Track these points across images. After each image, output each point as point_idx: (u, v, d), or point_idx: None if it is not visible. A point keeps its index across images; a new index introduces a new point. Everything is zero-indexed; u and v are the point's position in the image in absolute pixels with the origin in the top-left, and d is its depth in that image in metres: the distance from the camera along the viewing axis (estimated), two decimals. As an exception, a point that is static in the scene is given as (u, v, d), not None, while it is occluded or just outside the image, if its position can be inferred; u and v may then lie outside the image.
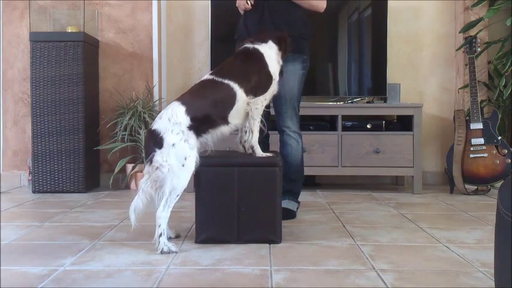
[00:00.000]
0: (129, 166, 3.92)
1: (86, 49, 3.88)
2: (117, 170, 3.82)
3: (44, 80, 3.80)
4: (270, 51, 2.45)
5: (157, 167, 2.16)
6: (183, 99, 2.28)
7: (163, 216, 2.16)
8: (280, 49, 2.48)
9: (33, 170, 3.81)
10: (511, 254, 1.13)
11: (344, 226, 2.70)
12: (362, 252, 2.20)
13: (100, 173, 4.16)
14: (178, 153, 2.16)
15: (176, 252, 2.15)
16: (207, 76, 2.38)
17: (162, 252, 2.13)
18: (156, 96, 4.14)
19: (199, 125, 2.23)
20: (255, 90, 2.35)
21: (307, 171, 3.85)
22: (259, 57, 2.42)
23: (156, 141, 2.17)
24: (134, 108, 3.92)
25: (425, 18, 4.34)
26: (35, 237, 2.46)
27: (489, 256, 2.10)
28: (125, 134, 3.87)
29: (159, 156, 2.15)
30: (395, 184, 4.32)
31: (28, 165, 3.99)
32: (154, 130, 2.19)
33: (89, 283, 1.80)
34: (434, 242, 2.38)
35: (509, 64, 3.88)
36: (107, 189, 3.95)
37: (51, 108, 3.80)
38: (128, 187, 4.04)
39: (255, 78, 2.37)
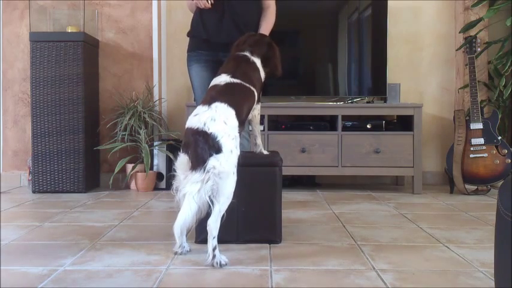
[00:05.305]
0: (129, 166, 3.92)
1: (86, 49, 3.88)
2: (117, 170, 3.82)
3: (44, 80, 3.80)
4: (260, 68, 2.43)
5: (212, 173, 1.98)
6: (225, 100, 2.10)
7: (217, 226, 2.00)
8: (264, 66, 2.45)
9: (33, 170, 3.81)
10: (511, 254, 1.13)
11: (344, 226, 2.70)
12: (362, 252, 2.20)
13: (100, 173, 4.16)
14: (234, 160, 2.04)
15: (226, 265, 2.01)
16: (230, 79, 2.23)
17: (220, 266, 1.97)
18: (156, 96, 4.14)
19: (240, 130, 2.15)
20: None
21: (307, 171, 3.89)
22: (257, 69, 2.40)
23: (212, 145, 1.98)
24: (134, 108, 3.92)
25: (425, 18, 4.33)
26: (35, 237, 2.46)
27: (489, 256, 2.10)
28: (124, 134, 3.87)
29: (216, 162, 1.97)
30: (396, 184, 4.32)
31: (28, 165, 3.99)
32: (211, 133, 1.99)
33: (89, 283, 1.80)
34: (434, 242, 2.38)
35: (509, 64, 3.87)
36: (107, 189, 3.95)
37: (51, 108, 3.80)
38: (128, 187, 4.04)
39: (258, 86, 2.37)
